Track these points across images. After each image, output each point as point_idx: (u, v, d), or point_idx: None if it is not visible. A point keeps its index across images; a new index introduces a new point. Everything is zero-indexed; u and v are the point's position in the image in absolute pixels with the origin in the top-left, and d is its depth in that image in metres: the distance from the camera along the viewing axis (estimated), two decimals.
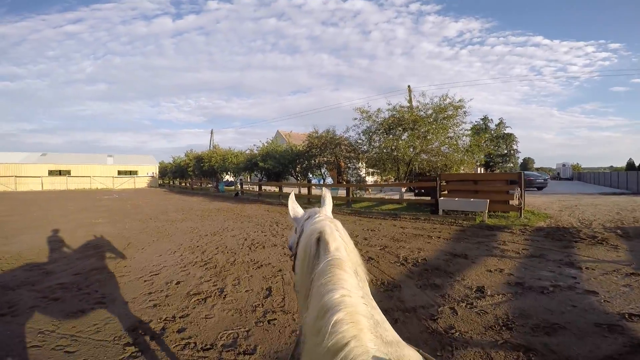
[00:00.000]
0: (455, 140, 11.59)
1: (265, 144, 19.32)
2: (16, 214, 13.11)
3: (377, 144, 12.73)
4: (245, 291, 4.34)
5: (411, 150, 11.47)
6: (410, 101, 15.52)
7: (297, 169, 18.29)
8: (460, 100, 12.39)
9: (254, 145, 20.04)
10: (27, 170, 38.48)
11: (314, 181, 18.08)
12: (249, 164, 19.45)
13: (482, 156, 13.24)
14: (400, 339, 0.78)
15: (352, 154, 14.57)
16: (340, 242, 0.98)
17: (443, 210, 9.82)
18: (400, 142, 11.32)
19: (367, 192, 15.42)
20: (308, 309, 0.84)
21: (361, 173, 17.20)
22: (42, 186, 38.13)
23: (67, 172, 40.54)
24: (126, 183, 42.42)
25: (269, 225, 9.30)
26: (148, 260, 5.86)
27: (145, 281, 4.78)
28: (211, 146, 28.76)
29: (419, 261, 5.47)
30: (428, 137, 11.61)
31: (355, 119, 13.48)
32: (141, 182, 43.56)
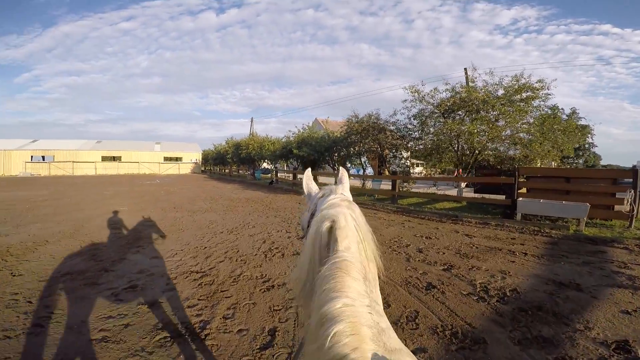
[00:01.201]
0: (543, 127, 9.08)
1: (302, 130, 17.86)
2: (53, 198, 13.01)
3: (432, 130, 10.57)
4: (238, 331, 2.89)
5: (483, 136, 9.19)
6: (467, 86, 12.92)
7: (335, 157, 16.62)
8: (539, 81, 9.80)
9: (290, 131, 18.67)
10: (83, 156, 40.96)
11: (352, 171, 16.31)
12: (284, 152, 18.12)
13: (572, 147, 10.45)
14: (404, 346, 0.72)
15: (400, 142, 12.56)
16: (352, 237, 0.85)
17: (522, 214, 7.58)
18: (469, 126, 9.09)
19: (412, 186, 13.39)
20: (311, 309, 0.74)
21: (407, 164, 15.12)
22: (96, 171, 40.47)
23: (118, 158, 42.60)
24: (171, 169, 43.76)
25: (296, 223, 7.81)
26: (137, 265, 4.65)
27: (111, 300, 3.50)
28: (251, 134, 28.00)
29: (508, 293, 3.64)
30: (499, 123, 9.25)
31: (405, 100, 11.42)
32: (185, 168, 44.72)
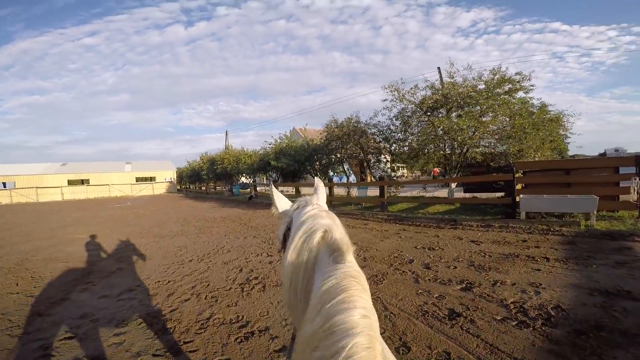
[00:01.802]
0: (533, 118, 8.67)
1: (279, 140, 16.95)
2: (3, 229, 11.43)
3: (416, 130, 9.98)
4: None
5: (472, 131, 8.65)
6: (442, 84, 12.49)
7: (316, 166, 15.81)
8: (518, 74, 9.51)
9: (266, 142, 17.74)
10: (48, 181, 38.30)
11: (335, 180, 15.56)
12: (262, 164, 17.11)
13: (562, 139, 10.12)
14: None
15: (383, 144, 11.89)
16: (351, 248, 0.84)
17: (526, 212, 6.98)
18: (458, 121, 8.52)
19: (399, 190, 12.77)
20: (305, 317, 0.71)
21: (387, 168, 14.53)
22: (62, 196, 37.83)
23: (87, 181, 40.12)
24: (144, 189, 41.55)
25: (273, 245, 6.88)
26: (81, 308, 3.70)
27: (37, 357, 2.49)
28: (226, 148, 26.78)
29: (552, 312, 2.94)
30: (484, 118, 8.79)
31: (385, 100, 10.84)
32: (160, 188, 42.61)
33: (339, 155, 13.32)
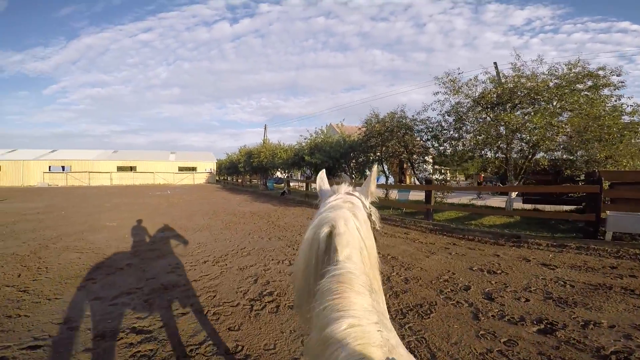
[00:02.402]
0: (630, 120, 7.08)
1: (314, 135, 16.27)
2: (45, 212, 11.88)
3: (472, 128, 8.59)
4: None
5: (552, 131, 7.12)
6: (499, 81, 10.72)
7: (352, 164, 14.86)
8: (601, 69, 7.83)
9: (301, 136, 17.08)
10: (99, 167, 41.01)
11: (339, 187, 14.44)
12: (297, 159, 16.51)
13: None
14: (412, 357, 0.70)
15: (432, 142, 10.55)
16: (353, 244, 0.78)
17: (613, 233, 5.60)
18: (532, 118, 7.09)
19: (446, 196, 11.46)
20: (312, 325, 0.71)
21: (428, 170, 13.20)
22: (111, 181, 40.35)
23: (134, 168, 42.40)
24: (186, 179, 43.14)
25: None
26: (64, 311, 3.13)
27: None
28: (263, 141, 26.68)
29: None
30: (560, 118, 7.27)
31: (437, 93, 9.54)
32: (200, 178, 44.03)
33: (378, 153, 12.23)
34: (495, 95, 8.01)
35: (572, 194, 7.19)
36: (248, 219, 9.80)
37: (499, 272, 4.50)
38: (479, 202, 10.17)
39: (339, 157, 14.33)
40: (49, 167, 39.11)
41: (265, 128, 36.96)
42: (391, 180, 15.71)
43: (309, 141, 16.05)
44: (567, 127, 7.01)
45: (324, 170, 1.32)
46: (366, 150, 12.99)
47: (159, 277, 4.37)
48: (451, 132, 9.31)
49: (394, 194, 11.55)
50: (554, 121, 6.91)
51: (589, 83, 7.72)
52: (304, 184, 16.12)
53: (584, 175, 7.57)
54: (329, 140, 14.89)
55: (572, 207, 9.74)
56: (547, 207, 10.07)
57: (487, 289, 3.81)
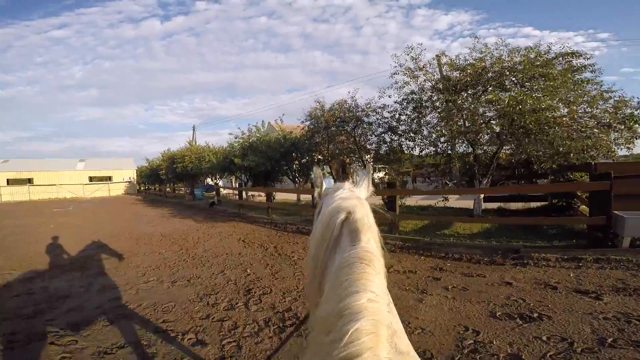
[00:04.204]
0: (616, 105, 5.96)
1: (247, 133, 13.59)
2: None
3: (442, 115, 6.88)
4: None
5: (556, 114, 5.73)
6: (441, 74, 9.08)
7: (294, 166, 12.68)
8: (574, 53, 6.66)
9: (230, 134, 14.36)
10: None
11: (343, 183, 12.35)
12: (226, 162, 13.78)
13: None
14: (412, 349, 0.73)
15: (388, 136, 8.57)
16: (373, 231, 0.84)
17: (632, 239, 4.32)
18: (538, 100, 5.55)
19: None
20: (321, 298, 0.75)
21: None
22: (1, 197, 32.62)
23: (29, 181, 34.92)
24: (99, 190, 36.72)
25: (239, 298, 3.82)
26: None
27: None
28: (188, 143, 23.06)
29: None
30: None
31: (395, 73, 7.57)
32: (117, 189, 37.89)
33: (325, 152, 10.22)
34: (476, 72, 6.42)
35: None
36: (154, 246, 7.04)
37: (534, 315, 2.92)
38: (436, 203, 8.75)
39: (279, 158, 11.98)
40: None
41: (194, 129, 32.98)
42: (328, 182, 13.88)
43: (241, 140, 13.43)
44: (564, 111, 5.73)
45: (317, 168, 1.37)
46: (311, 148, 10.92)
47: None
48: (414, 125, 7.65)
49: None
50: (561, 101, 5.60)
51: (565, 65, 6.62)
52: (237, 193, 13.46)
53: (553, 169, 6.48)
54: (266, 139, 12.46)
55: (539, 204, 8.90)
56: (512, 205, 9.13)
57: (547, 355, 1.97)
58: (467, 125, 6.36)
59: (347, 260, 0.72)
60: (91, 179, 37.80)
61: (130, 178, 39.40)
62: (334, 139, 9.76)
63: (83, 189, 36.23)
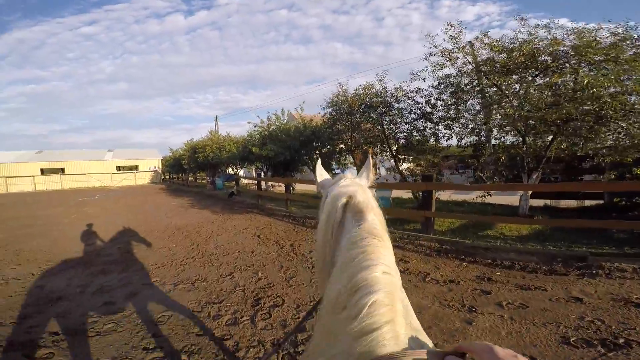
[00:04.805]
0: None
1: (266, 121, 12.88)
2: None
3: (489, 99, 5.88)
4: None
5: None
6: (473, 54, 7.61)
7: (315, 155, 11.99)
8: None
9: (249, 123, 13.76)
10: (19, 170, 34.62)
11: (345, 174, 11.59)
12: (245, 152, 13.26)
13: None
14: (421, 327, 0.74)
15: (421, 124, 7.55)
16: (377, 211, 0.84)
17: None
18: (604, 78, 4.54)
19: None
20: (331, 278, 0.74)
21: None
22: (35, 186, 34.16)
23: (62, 171, 36.34)
24: (126, 179, 37.77)
25: (245, 310, 3.23)
26: None
27: None
28: (209, 133, 22.86)
29: None
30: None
31: (431, 55, 6.56)
32: (143, 178, 38.83)
33: (349, 141, 9.39)
34: (526, 55, 5.35)
35: None
36: (166, 240, 6.63)
37: (620, 342, 2.43)
38: (474, 199, 7.75)
39: (299, 148, 11.33)
40: None
41: (216, 120, 32.91)
42: (353, 172, 13.03)
43: (260, 129, 12.87)
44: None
45: (319, 161, 1.38)
46: (332, 137, 10.15)
47: None
48: (452, 111, 6.64)
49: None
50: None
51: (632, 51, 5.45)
52: (256, 183, 12.96)
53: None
54: (286, 127, 11.82)
55: (593, 203, 7.77)
56: (562, 203, 8.06)
57: None
58: (519, 112, 5.34)
59: (356, 236, 0.71)
60: (119, 168, 38.88)
61: (155, 167, 40.26)
62: (358, 127, 8.93)
63: (111, 178, 37.36)
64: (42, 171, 35.91)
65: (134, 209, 12.57)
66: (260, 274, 4.30)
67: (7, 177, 33.77)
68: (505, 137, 6.51)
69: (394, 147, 8.34)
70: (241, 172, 20.84)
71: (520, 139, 6.12)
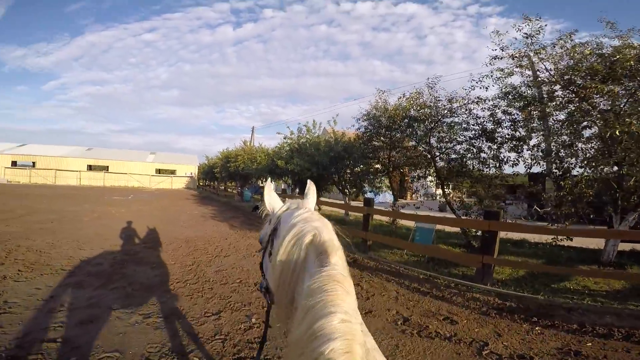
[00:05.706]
0: None
1: (296, 133, 11.88)
2: None
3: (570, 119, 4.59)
4: None
5: None
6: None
7: (346, 175, 10.90)
8: None
9: (279, 133, 13.08)
10: (69, 164, 36.89)
11: (378, 199, 10.36)
12: (272, 165, 12.49)
13: None
14: None
15: (479, 142, 6.18)
16: (340, 252, 0.80)
17: None
18: None
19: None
20: (292, 320, 0.73)
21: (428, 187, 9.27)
22: (80, 181, 36.15)
23: (106, 168, 38.25)
24: (163, 182, 38.92)
25: None
26: None
27: None
28: (243, 143, 22.73)
29: None
30: None
31: (496, 58, 5.47)
32: (179, 183, 39.79)
33: (386, 161, 8.15)
34: (632, 59, 4.12)
35: None
36: (168, 253, 5.85)
37: None
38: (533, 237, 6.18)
39: (328, 164, 10.30)
40: (12, 162, 35.12)
41: (252, 131, 33.11)
42: (389, 197, 11.66)
43: (290, 142, 12.11)
44: None
45: (269, 180, 1.34)
46: (366, 155, 9.03)
47: None
48: (518, 129, 5.34)
49: (402, 223, 7.65)
50: None
51: None
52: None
53: None
54: (316, 140, 10.92)
55: None
56: None
57: None
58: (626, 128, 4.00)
59: (319, 282, 0.70)
60: (158, 171, 40.24)
61: (191, 173, 41.21)
62: (399, 144, 7.74)
63: (149, 180, 38.67)
64: (90, 167, 38.05)
65: (156, 213, 12.20)
66: (254, 319, 3.28)
67: (56, 169, 36.15)
68: (593, 166, 5.01)
69: (443, 171, 6.94)
70: (270, 185, 20.29)
71: (616, 167, 4.69)
